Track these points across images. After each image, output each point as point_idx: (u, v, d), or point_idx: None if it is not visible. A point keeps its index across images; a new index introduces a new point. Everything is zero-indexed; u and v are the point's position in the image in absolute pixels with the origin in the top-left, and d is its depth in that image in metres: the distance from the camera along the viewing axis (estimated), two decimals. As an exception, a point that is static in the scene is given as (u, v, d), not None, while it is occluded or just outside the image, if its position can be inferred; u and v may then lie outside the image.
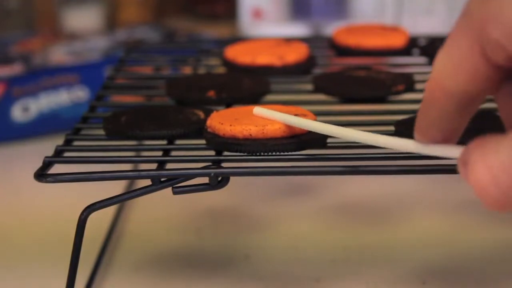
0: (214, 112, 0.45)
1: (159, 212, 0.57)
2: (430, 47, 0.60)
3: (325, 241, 0.52)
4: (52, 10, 0.98)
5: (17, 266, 0.50)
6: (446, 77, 0.31)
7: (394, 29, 0.62)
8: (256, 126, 0.41)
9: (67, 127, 0.53)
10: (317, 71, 0.58)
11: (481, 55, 0.30)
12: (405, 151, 0.35)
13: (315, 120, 0.43)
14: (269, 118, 0.42)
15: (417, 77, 0.53)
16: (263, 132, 0.41)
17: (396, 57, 0.61)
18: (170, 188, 0.41)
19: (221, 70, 0.59)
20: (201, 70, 0.60)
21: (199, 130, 0.44)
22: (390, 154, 0.41)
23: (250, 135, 0.41)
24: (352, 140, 0.38)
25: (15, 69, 0.73)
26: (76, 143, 0.46)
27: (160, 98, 0.55)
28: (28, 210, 0.58)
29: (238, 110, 0.45)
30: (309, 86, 0.53)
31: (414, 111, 0.44)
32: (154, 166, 0.42)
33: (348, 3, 0.90)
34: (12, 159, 0.69)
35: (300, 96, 0.53)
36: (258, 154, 0.41)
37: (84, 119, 0.49)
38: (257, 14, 0.90)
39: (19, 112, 0.72)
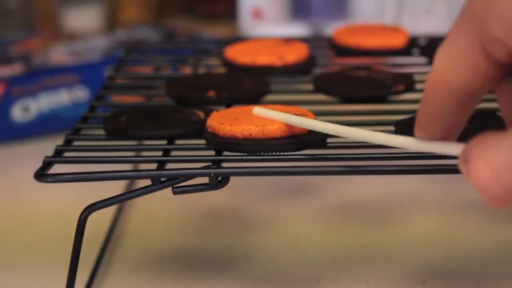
0: (214, 112, 0.45)
1: (159, 212, 0.56)
2: (430, 47, 0.60)
3: (325, 241, 0.52)
4: (52, 10, 0.98)
5: (17, 266, 0.50)
6: (447, 74, 0.31)
7: (394, 29, 0.62)
8: (256, 126, 0.41)
9: (67, 127, 0.53)
10: (317, 71, 0.57)
11: (482, 52, 0.30)
12: (405, 148, 0.35)
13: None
14: (269, 118, 0.42)
15: (417, 77, 0.53)
16: (263, 132, 0.41)
17: (396, 57, 0.61)
18: (170, 188, 0.41)
19: (221, 70, 0.59)
20: (201, 70, 0.60)
21: (199, 130, 0.44)
22: (390, 154, 0.41)
23: (250, 135, 0.41)
24: (352, 138, 0.38)
25: (15, 69, 0.73)
26: (76, 143, 0.46)
27: (160, 98, 0.55)
28: (28, 210, 0.58)
29: (238, 110, 0.45)
30: (309, 86, 0.53)
31: (414, 111, 0.43)
32: (154, 166, 0.42)
33: (348, 3, 0.90)
34: (12, 159, 0.69)
35: (300, 96, 0.53)
36: (258, 154, 0.41)
37: (84, 119, 0.49)
38: (257, 14, 0.90)
39: (19, 112, 0.72)
